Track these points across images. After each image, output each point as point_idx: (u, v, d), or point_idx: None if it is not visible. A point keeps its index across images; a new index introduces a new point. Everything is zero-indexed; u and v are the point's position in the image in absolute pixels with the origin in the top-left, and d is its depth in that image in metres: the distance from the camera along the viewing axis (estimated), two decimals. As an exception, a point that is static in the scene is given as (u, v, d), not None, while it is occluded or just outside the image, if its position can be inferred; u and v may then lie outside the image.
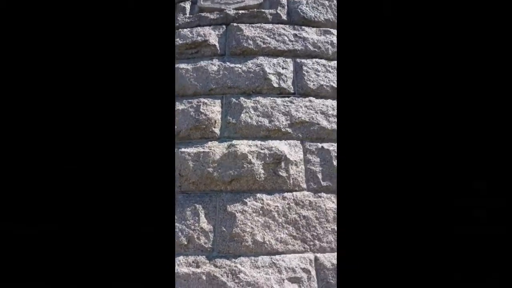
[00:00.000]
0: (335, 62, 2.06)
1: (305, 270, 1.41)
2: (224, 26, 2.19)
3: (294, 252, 1.46)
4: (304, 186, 1.63)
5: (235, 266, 1.40)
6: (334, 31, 2.19)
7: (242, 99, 1.85)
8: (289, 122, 1.77)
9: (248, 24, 2.14)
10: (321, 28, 2.18)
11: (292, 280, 1.38)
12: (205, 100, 1.87)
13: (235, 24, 2.15)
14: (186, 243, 1.47)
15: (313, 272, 1.42)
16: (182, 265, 1.42)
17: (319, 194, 1.61)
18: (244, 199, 1.56)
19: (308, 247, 1.48)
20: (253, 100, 1.84)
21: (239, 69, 1.95)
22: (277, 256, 1.44)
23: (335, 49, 2.10)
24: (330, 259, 1.46)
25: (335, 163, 1.68)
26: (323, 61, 2.03)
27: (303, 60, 2.00)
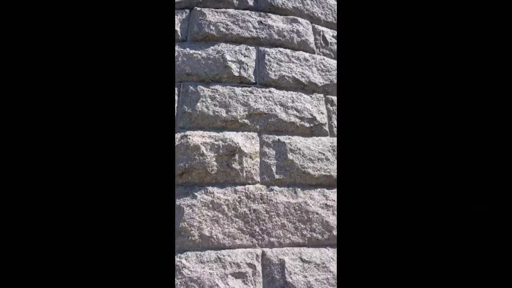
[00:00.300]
0: (300, 52, 2.00)
1: (251, 265, 1.38)
2: (187, 11, 2.08)
3: (241, 246, 1.43)
4: (258, 179, 1.59)
5: (179, 261, 1.35)
6: (302, 20, 2.12)
7: (200, 87, 1.77)
8: (247, 113, 1.71)
9: (212, 9, 2.03)
10: (289, 16, 2.10)
11: (236, 275, 1.35)
12: (163, 88, 1.78)
13: (198, 8, 2.04)
14: (132, 236, 1.42)
15: (259, 267, 1.39)
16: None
17: (272, 187, 1.57)
18: (195, 193, 1.50)
19: (256, 241, 1.45)
20: (212, 89, 1.76)
21: (199, 56, 1.86)
22: (223, 251, 1.40)
23: (300, 39, 2.04)
24: (277, 254, 1.43)
25: (289, 156, 1.64)
26: (287, 51, 1.96)
27: (266, 49, 1.93)
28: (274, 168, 1.61)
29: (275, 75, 1.85)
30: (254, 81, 1.83)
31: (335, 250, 1.52)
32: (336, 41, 2.20)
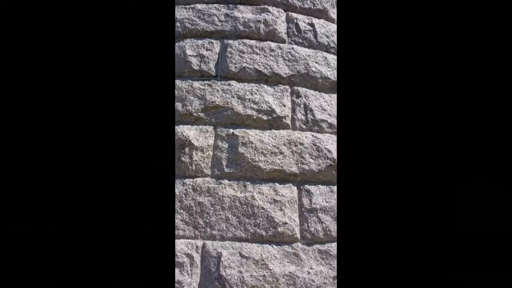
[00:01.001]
0: (266, 42, 1.93)
1: (189, 256, 1.40)
2: (163, 9, 2.14)
3: (183, 237, 1.45)
4: (208, 172, 1.59)
5: (126, 248, 1.43)
6: (273, 9, 2.04)
7: (163, 83, 1.82)
8: (202, 106, 1.71)
9: (181, 6, 2.07)
10: (259, 6, 2.04)
11: (173, 265, 1.38)
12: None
13: (172, 6, 2.09)
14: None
15: (197, 259, 1.40)
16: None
17: (221, 180, 1.56)
18: (147, 184, 1.57)
19: (198, 233, 1.46)
20: (173, 85, 1.80)
21: (166, 53, 1.91)
22: (165, 241, 1.44)
23: (268, 28, 1.96)
24: (216, 247, 1.42)
25: (240, 149, 1.61)
26: (252, 42, 1.90)
27: (230, 41, 1.90)
28: (224, 162, 1.60)
29: (235, 67, 1.81)
30: (215, 74, 1.83)
31: (280, 247, 1.46)
32: (311, 28, 2.07)
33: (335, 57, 2.08)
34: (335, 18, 2.28)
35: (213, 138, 1.66)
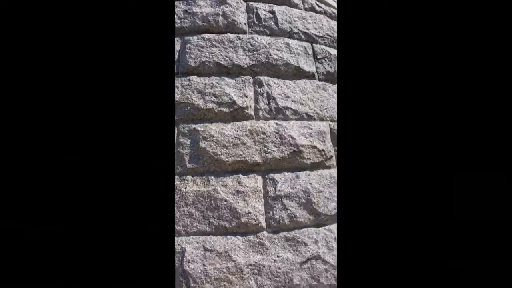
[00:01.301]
0: (226, 35, 1.91)
1: (153, 254, 1.40)
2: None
3: (149, 236, 1.46)
4: (171, 169, 1.59)
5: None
6: (231, 1, 2.01)
7: (126, 85, 1.82)
8: (163, 105, 1.71)
9: (143, 6, 2.06)
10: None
11: (138, 263, 1.39)
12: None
13: (132, 8, 2.08)
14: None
15: (162, 256, 1.41)
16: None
17: (184, 177, 1.56)
18: (112, 186, 1.57)
19: (163, 231, 1.47)
20: (135, 86, 1.80)
21: (127, 55, 1.91)
22: (130, 241, 1.45)
23: (227, 20, 1.94)
24: (180, 242, 1.42)
25: (201, 144, 1.60)
26: (211, 35, 1.88)
27: (189, 38, 1.88)
28: (187, 158, 1.59)
29: (195, 62, 1.80)
30: (176, 72, 1.82)
31: (245, 238, 1.45)
32: (272, 15, 2.04)
33: (299, 42, 2.05)
34: (298, 3, 2.25)
35: (176, 135, 1.66)
